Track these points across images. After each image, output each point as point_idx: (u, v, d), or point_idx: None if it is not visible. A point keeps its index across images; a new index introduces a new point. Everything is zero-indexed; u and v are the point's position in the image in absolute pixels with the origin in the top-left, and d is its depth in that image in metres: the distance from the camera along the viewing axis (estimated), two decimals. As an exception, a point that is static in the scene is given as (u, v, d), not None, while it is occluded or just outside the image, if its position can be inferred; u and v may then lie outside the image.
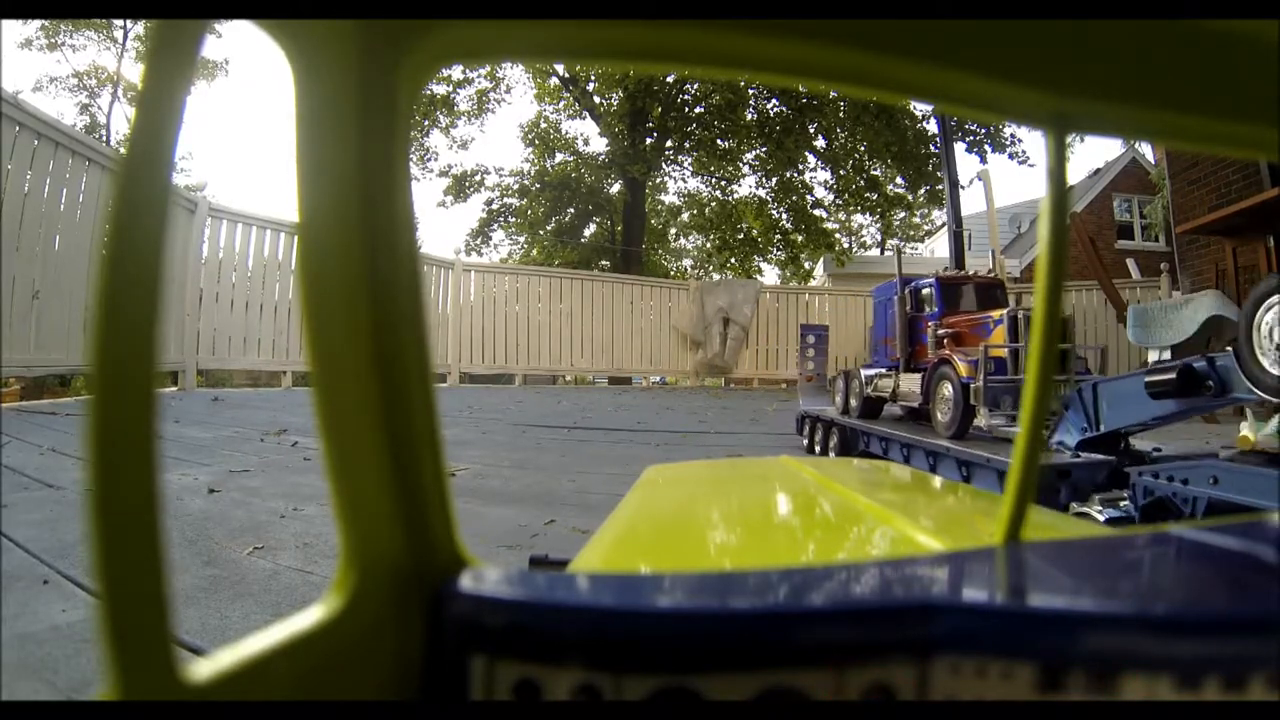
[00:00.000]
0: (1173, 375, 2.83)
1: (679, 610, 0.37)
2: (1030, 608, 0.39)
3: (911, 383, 5.12)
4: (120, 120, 17.92)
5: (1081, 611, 0.37)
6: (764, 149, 16.09)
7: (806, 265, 17.23)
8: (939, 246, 19.09)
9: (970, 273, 6.19)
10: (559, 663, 0.34)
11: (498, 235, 18.61)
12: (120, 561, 0.25)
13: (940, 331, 4.96)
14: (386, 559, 0.37)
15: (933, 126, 13.82)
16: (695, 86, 15.71)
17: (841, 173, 16.53)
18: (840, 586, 0.43)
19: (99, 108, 18.30)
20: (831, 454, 5.55)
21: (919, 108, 12.28)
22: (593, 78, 15.90)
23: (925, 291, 5.40)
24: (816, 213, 16.60)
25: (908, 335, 5.44)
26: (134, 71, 15.97)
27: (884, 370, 5.67)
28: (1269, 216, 6.55)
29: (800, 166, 16.40)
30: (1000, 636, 0.34)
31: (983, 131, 14.15)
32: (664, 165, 17.54)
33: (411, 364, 0.37)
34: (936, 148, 13.60)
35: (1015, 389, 4.09)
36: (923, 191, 16.42)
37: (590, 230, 20.22)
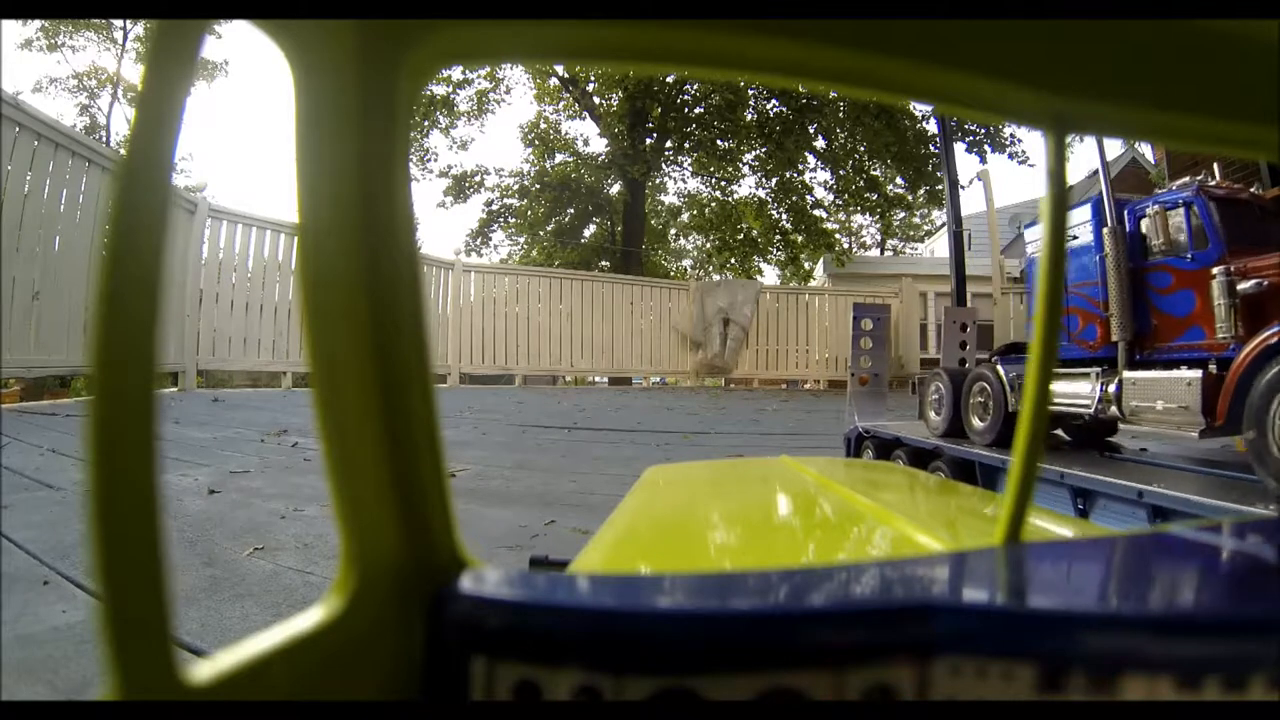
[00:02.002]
0: None
1: (679, 611, 0.37)
2: (1030, 608, 0.39)
3: (1159, 389, 2.72)
4: (120, 121, 17.95)
5: (1081, 612, 0.37)
6: (764, 149, 16.10)
7: (806, 265, 17.23)
8: (939, 246, 19.11)
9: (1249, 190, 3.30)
10: (559, 664, 0.34)
11: (497, 236, 18.67)
12: (120, 562, 0.25)
13: (1245, 285, 2.56)
14: (387, 560, 0.37)
15: (933, 126, 13.83)
16: (695, 87, 15.72)
17: (841, 173, 16.54)
18: (840, 587, 0.43)
19: (99, 109, 18.32)
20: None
21: (919, 108, 12.30)
22: (592, 78, 15.91)
23: (1179, 219, 2.87)
24: (816, 213, 16.60)
25: (1132, 300, 2.99)
26: (134, 72, 15.99)
27: (1062, 363, 3.30)
28: (1269, 217, 6.53)
29: (800, 167, 16.41)
30: (1000, 637, 0.34)
31: (983, 131, 14.16)
32: (664, 166, 17.56)
33: (411, 364, 0.37)
34: (936, 148, 13.59)
35: None
36: (923, 191, 16.42)
37: (590, 231, 20.22)
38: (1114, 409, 2.96)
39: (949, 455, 3.61)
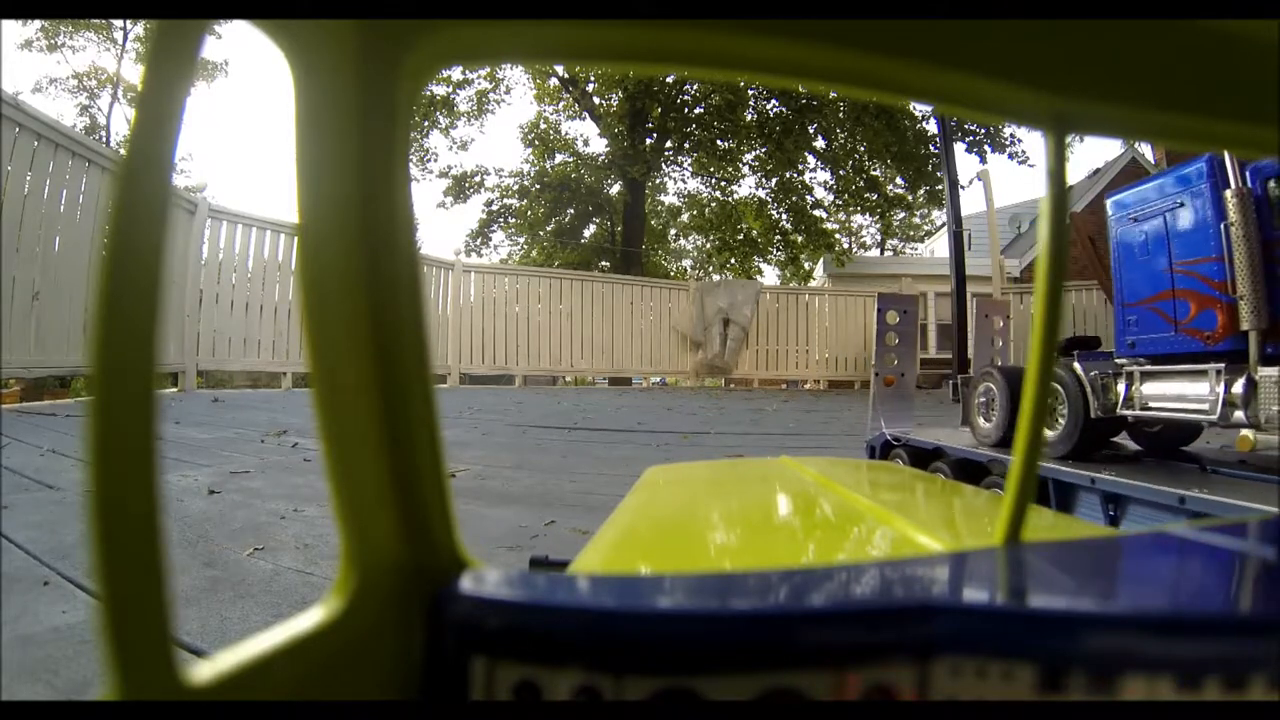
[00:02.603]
0: None
1: (679, 611, 0.37)
2: (1031, 608, 0.39)
3: None
4: (120, 121, 17.97)
5: (1082, 612, 0.37)
6: (764, 149, 16.11)
7: (806, 265, 17.24)
8: (939, 246, 19.12)
9: None
10: (559, 664, 0.34)
11: (497, 236, 18.71)
12: (121, 563, 0.25)
13: None
14: (387, 560, 0.37)
15: (933, 126, 13.85)
16: (695, 87, 15.72)
17: (841, 173, 16.56)
18: (840, 587, 0.43)
19: (99, 109, 18.35)
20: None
21: (919, 108, 12.30)
22: (592, 78, 15.92)
23: None
24: (816, 213, 16.63)
25: (1265, 279, 2.44)
26: (134, 72, 16.00)
27: (1164, 359, 2.75)
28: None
29: (800, 167, 16.42)
30: (1001, 637, 0.34)
31: (983, 131, 14.17)
32: (664, 166, 17.58)
33: (411, 364, 0.37)
34: (936, 148, 13.61)
35: None
36: (923, 191, 16.44)
37: (590, 231, 20.24)
38: (1240, 414, 2.38)
39: (1009, 469, 3.09)
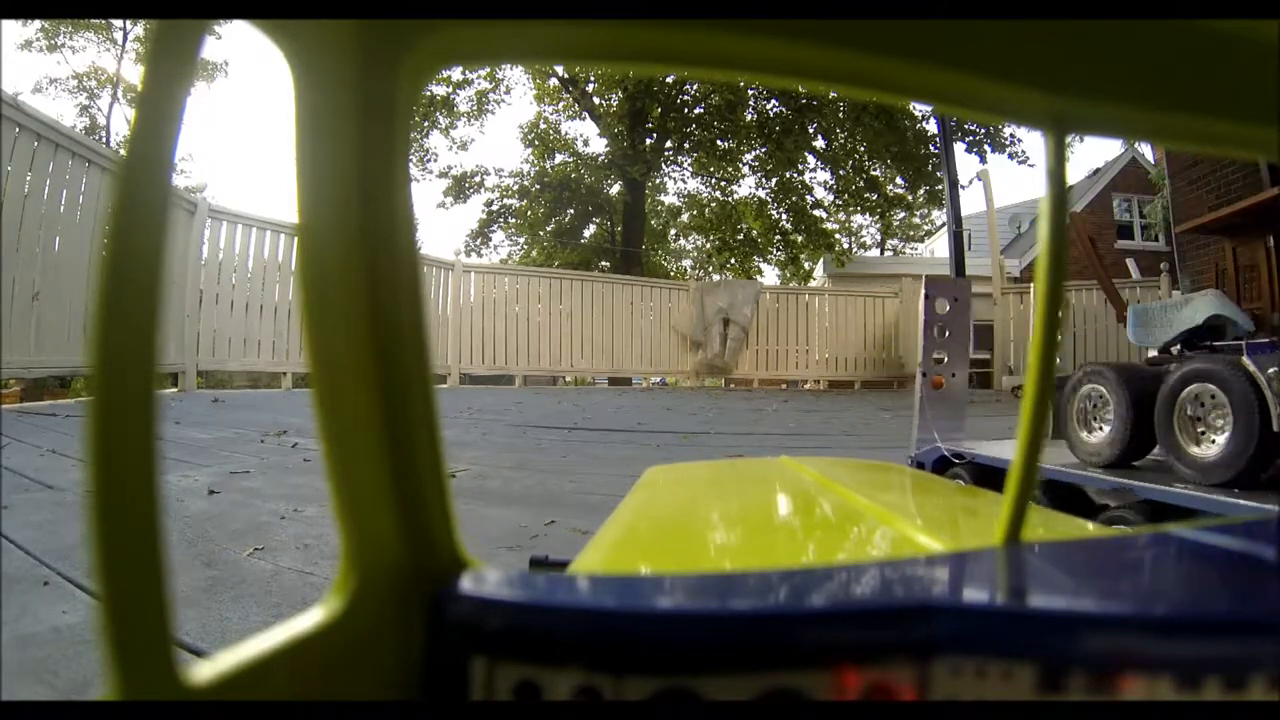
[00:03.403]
0: None
1: (680, 611, 0.37)
2: (1031, 608, 0.39)
3: None
4: (120, 121, 17.98)
5: (1082, 612, 0.37)
6: (764, 149, 16.13)
7: (806, 265, 17.26)
8: (939, 247, 19.13)
9: None
10: (560, 664, 0.34)
11: (497, 236, 18.71)
12: (120, 563, 0.25)
13: None
14: (387, 561, 0.37)
15: (933, 126, 13.87)
16: (695, 87, 15.73)
17: (841, 173, 16.58)
18: (840, 587, 0.43)
19: (99, 109, 18.37)
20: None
21: (919, 108, 12.30)
22: (592, 78, 15.93)
23: None
24: (816, 213, 16.65)
25: None
26: (134, 73, 16.01)
27: None
28: (1269, 216, 6.53)
29: (800, 167, 16.44)
30: (1001, 637, 0.34)
31: (983, 131, 14.18)
32: (664, 166, 17.59)
33: (411, 364, 0.37)
34: (936, 148, 13.62)
35: None
36: (923, 191, 16.47)
37: (590, 231, 20.24)
38: None
39: (1142, 498, 2.26)
